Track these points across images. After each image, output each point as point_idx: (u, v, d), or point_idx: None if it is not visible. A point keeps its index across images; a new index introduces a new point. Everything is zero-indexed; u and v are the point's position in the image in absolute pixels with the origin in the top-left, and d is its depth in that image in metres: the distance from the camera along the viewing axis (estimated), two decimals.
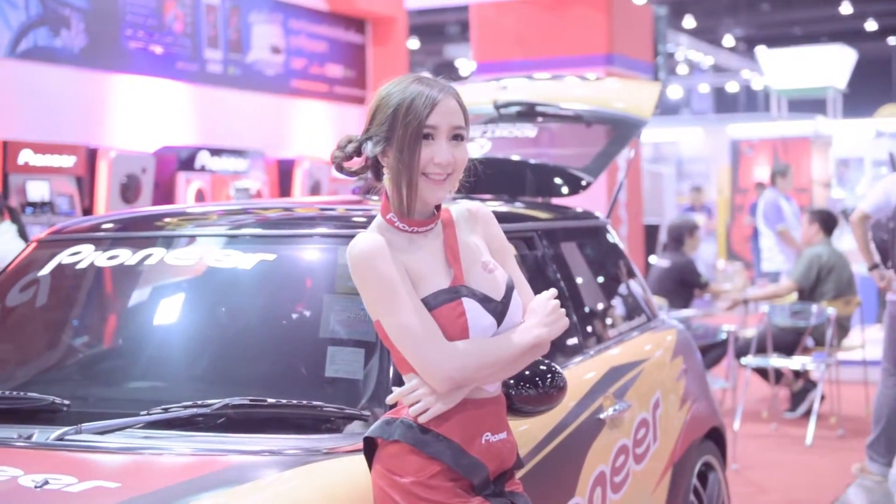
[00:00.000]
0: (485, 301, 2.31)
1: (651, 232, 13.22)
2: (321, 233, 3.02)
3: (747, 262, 15.16)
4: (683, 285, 8.34)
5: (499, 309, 2.32)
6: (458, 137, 2.33)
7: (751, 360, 7.59)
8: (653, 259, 11.78)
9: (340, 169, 2.40)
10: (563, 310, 2.37)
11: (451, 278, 2.32)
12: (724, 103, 32.81)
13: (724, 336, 7.66)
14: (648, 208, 14.84)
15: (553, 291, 2.39)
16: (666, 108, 28.73)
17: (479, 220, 2.44)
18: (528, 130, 4.66)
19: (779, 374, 8.17)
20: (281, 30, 11.48)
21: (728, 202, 18.40)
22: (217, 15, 10.57)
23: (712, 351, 7.99)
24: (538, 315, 2.34)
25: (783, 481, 6.40)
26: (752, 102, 32.01)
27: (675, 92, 30.13)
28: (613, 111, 4.66)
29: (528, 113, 4.71)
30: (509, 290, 2.35)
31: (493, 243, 2.44)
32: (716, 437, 4.35)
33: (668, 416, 3.90)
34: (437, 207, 2.37)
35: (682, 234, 8.52)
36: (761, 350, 7.64)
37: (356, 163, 2.40)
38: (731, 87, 31.51)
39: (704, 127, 22.60)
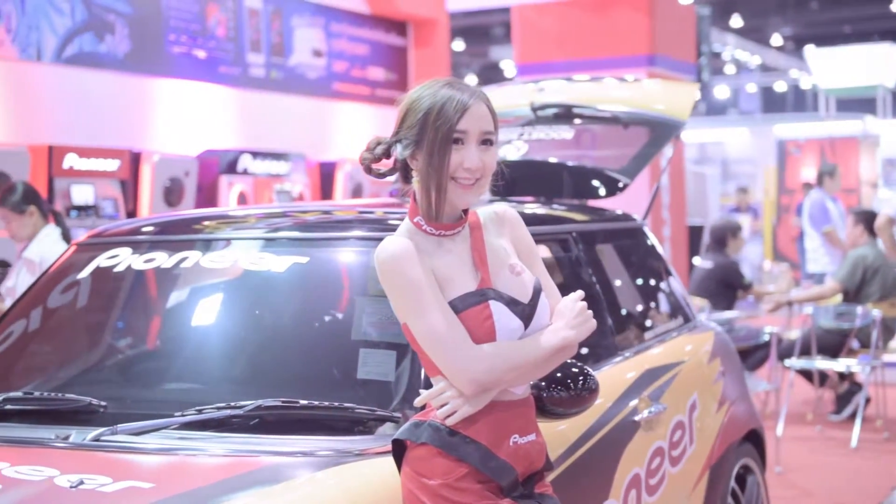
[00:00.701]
0: (512, 304, 2.31)
1: (695, 233, 13.14)
2: (353, 236, 3.04)
3: (794, 264, 15.02)
4: (726, 287, 8.28)
5: (526, 311, 2.32)
6: (487, 142, 2.33)
7: (795, 362, 7.52)
8: (697, 260, 11.71)
9: (369, 171, 2.41)
10: (591, 311, 2.36)
11: (478, 281, 2.32)
12: (772, 103, 32.51)
13: (766, 338, 7.59)
14: (692, 209, 14.75)
15: (580, 293, 2.39)
16: (713, 108, 28.53)
17: (506, 223, 2.44)
18: (564, 132, 4.65)
19: (823, 377, 8.09)
20: (323, 33, 11.54)
21: (774, 203, 18.24)
22: (259, 19, 10.65)
23: (756, 353, 7.93)
24: (565, 317, 2.34)
25: (827, 484, 6.34)
26: (800, 102, 31.71)
27: (722, 92, 29.90)
28: (651, 112, 4.65)
29: (565, 115, 4.70)
30: (536, 292, 2.35)
31: (520, 246, 2.44)
32: (755, 440, 4.32)
33: (705, 419, 3.87)
34: (465, 210, 2.37)
35: (724, 236, 8.46)
36: (805, 352, 7.57)
37: (385, 165, 2.41)
38: (780, 86, 31.22)
39: (750, 127, 22.41)
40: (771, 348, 7.27)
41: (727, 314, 7.81)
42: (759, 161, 20.59)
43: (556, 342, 2.31)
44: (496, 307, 2.28)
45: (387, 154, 2.40)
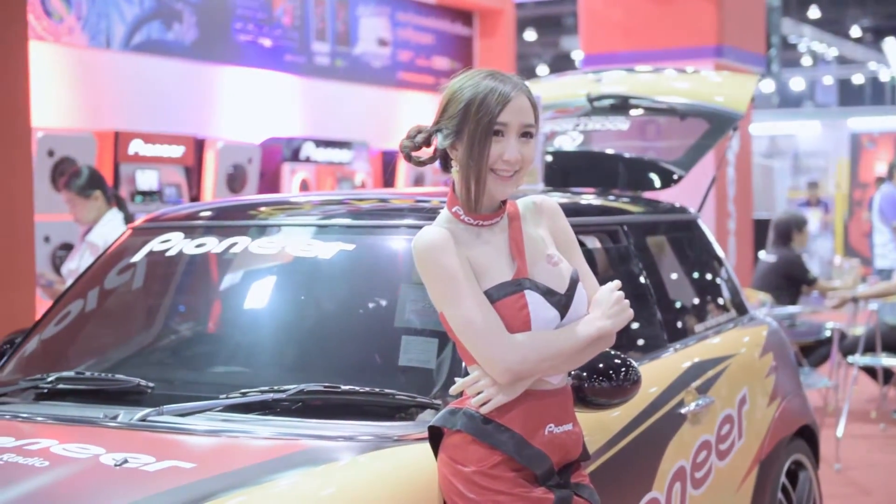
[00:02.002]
0: (548, 294, 2.31)
1: (761, 227, 12.97)
2: (398, 224, 3.06)
3: (865, 259, 14.79)
4: (790, 281, 8.17)
5: (562, 302, 2.32)
6: (527, 135, 2.33)
7: (859, 358, 7.41)
8: (762, 254, 11.58)
9: (409, 158, 2.43)
10: (628, 301, 2.36)
11: (514, 271, 2.33)
12: (850, 95, 31.92)
13: (828, 333, 7.49)
14: (759, 202, 14.57)
15: (617, 283, 2.38)
16: (787, 100, 28.13)
17: (544, 213, 2.45)
18: (620, 123, 4.64)
19: (888, 374, 7.96)
20: (388, 22, 11.59)
21: (846, 197, 17.96)
22: (325, 8, 10.72)
23: (819, 349, 7.83)
24: (602, 307, 2.34)
25: (887, 483, 6.25)
26: (878, 95, 31.10)
27: (797, 84, 29.47)
28: (708, 104, 4.61)
29: (622, 106, 4.69)
30: (574, 282, 2.35)
31: (559, 236, 2.44)
32: (808, 436, 4.27)
33: (755, 413, 3.84)
34: (504, 201, 2.38)
35: (789, 230, 8.34)
36: (870, 348, 7.46)
37: (425, 153, 2.43)
38: (857, 79, 30.66)
39: (822, 120, 22.06)
40: (833, 344, 7.17)
41: (790, 309, 7.71)
42: (832, 154, 20.27)
43: (592, 332, 2.31)
44: (532, 297, 2.29)
45: (427, 142, 2.42)
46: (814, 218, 16.75)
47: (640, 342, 3.45)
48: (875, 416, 7.82)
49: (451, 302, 2.27)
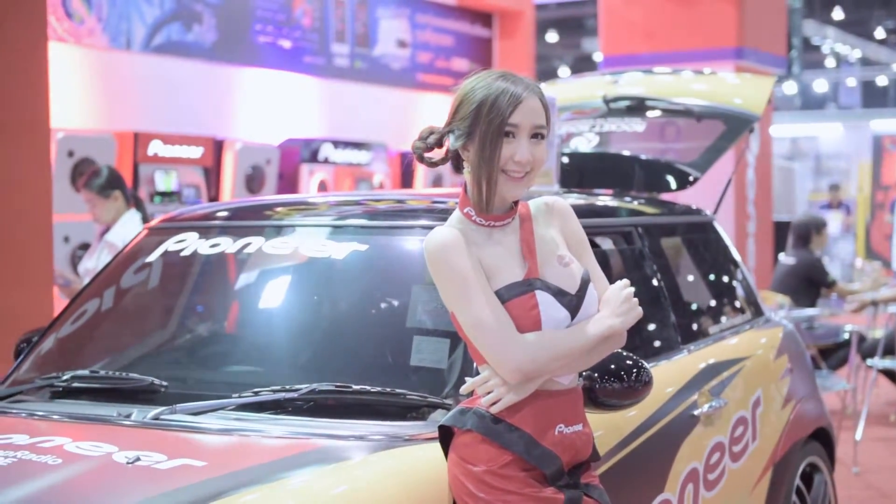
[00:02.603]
0: (559, 294, 2.31)
1: (781, 229, 12.94)
2: (411, 224, 3.06)
3: (886, 262, 14.71)
4: (809, 284, 8.13)
5: (573, 302, 2.32)
6: (538, 136, 2.34)
7: (878, 361, 7.37)
8: (782, 256, 11.53)
9: (421, 159, 2.44)
10: (637, 300, 2.36)
11: (525, 271, 2.33)
12: (873, 97, 31.72)
13: (846, 336, 7.45)
14: (779, 205, 14.51)
15: (626, 282, 2.38)
16: (810, 102, 28.01)
17: (555, 214, 2.45)
18: (636, 125, 4.63)
19: None
20: (407, 24, 11.61)
21: (868, 200, 17.86)
22: (345, 10, 10.75)
23: (839, 351, 7.79)
24: (611, 306, 2.34)
25: None
26: None
27: (820, 86, 29.34)
28: (724, 106, 4.60)
29: (638, 107, 4.69)
30: (584, 283, 2.35)
31: (570, 237, 2.44)
32: (823, 438, 4.25)
33: (769, 415, 3.83)
34: (515, 202, 2.39)
35: (808, 232, 8.29)
36: (889, 351, 7.42)
37: (437, 154, 2.44)
38: (881, 80, 30.47)
39: (845, 122, 21.94)
40: (852, 347, 7.14)
41: (808, 311, 7.67)
42: (854, 157, 20.17)
43: (602, 330, 2.31)
44: (542, 297, 2.29)
45: (439, 143, 2.42)
46: (835, 220, 16.68)
47: (654, 344, 3.44)
48: (894, 419, 7.77)
49: (462, 302, 2.28)
